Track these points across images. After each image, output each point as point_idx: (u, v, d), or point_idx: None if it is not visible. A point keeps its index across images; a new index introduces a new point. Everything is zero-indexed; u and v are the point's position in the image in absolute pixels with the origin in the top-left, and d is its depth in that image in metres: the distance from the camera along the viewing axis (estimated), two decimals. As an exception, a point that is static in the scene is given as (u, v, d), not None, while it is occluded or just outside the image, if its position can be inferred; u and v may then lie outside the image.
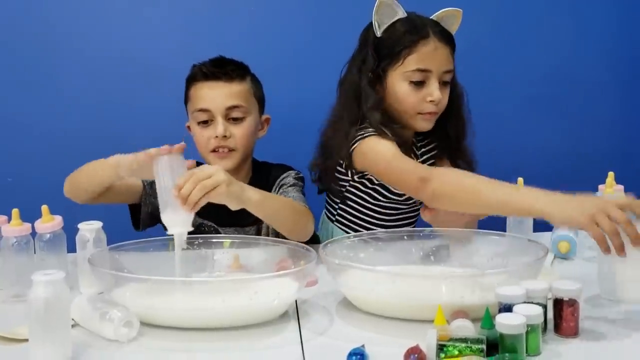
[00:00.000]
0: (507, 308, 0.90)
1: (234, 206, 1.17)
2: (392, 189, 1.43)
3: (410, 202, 1.49)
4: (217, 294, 1.00)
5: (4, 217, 1.22)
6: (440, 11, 1.41)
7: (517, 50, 1.97)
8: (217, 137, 1.43)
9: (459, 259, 1.19)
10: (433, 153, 1.54)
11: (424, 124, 1.41)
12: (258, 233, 1.52)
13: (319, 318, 1.06)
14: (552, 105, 2.00)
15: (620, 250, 0.95)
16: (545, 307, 0.92)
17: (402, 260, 1.19)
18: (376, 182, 1.44)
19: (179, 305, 1.00)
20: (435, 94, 1.36)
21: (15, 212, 1.18)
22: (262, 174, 1.53)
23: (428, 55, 1.37)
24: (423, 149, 1.53)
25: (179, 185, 1.10)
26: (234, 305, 0.99)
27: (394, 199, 1.47)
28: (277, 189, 1.49)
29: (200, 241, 1.22)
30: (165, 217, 1.13)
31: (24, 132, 1.88)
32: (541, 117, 1.99)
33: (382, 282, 1.02)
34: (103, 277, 1.06)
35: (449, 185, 1.17)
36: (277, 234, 1.52)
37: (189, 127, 1.52)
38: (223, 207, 1.18)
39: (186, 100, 1.52)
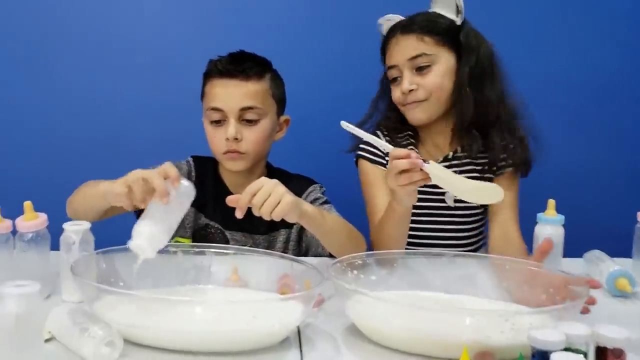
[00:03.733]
0: (542, 355, 0.78)
1: (293, 218, 1.11)
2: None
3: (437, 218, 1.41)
4: (211, 315, 0.89)
5: (-17, 212, 1.11)
6: None
7: (544, 60, 1.86)
8: (228, 139, 1.34)
9: (486, 290, 1.07)
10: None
11: (410, 115, 1.40)
12: (270, 245, 1.43)
13: (323, 346, 0.94)
14: (586, 120, 1.88)
15: None
16: (585, 354, 0.81)
17: (420, 286, 1.08)
18: None
19: (167, 325, 0.89)
20: (403, 86, 1.37)
21: (-6, 207, 1.07)
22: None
23: (392, 51, 1.40)
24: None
25: (251, 192, 1.06)
26: (230, 329, 0.88)
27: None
28: None
29: (197, 250, 1.11)
30: (141, 227, 0.97)
31: (9, 122, 1.80)
32: (575, 132, 1.87)
33: (396, 313, 0.91)
34: (85, 288, 0.95)
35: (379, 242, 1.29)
36: (299, 248, 1.44)
37: (204, 121, 1.43)
38: (231, 209, 1.08)
39: (202, 95, 1.43)
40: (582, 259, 1.33)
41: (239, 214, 1.07)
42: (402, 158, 1.10)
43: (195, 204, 1.11)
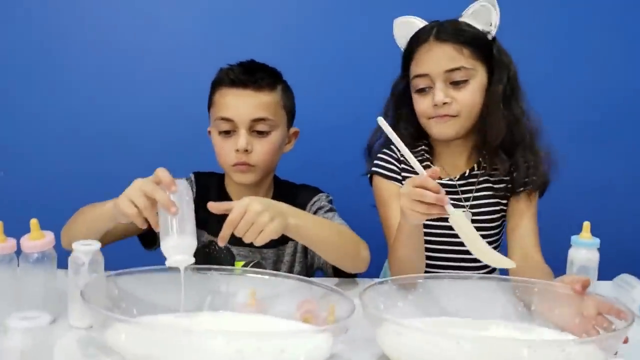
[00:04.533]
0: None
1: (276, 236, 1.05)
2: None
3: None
4: (235, 346, 0.82)
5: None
6: (469, 7, 1.28)
7: (572, 76, 1.80)
8: (238, 150, 1.28)
9: (514, 314, 1.01)
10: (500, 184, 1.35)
11: (438, 129, 1.30)
12: (278, 259, 1.36)
13: (352, 380, 0.88)
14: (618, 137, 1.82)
15: None
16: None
17: (445, 312, 1.02)
18: None
19: (188, 358, 0.82)
20: (437, 97, 1.26)
21: (-3, 225, 1.00)
22: (286, 194, 1.37)
23: (424, 58, 1.28)
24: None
25: (232, 223, 1.02)
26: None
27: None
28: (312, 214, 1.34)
29: (213, 273, 1.05)
30: (168, 244, 0.96)
31: (12, 135, 1.75)
32: (598, 148, 1.81)
33: (434, 344, 0.84)
34: (96, 315, 0.88)
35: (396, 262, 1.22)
36: (305, 261, 1.38)
37: (210, 132, 1.37)
38: None
39: (210, 104, 1.37)
40: (610, 282, 1.27)
41: (220, 243, 1.03)
42: (431, 190, 1.03)
43: (196, 221, 1.04)
